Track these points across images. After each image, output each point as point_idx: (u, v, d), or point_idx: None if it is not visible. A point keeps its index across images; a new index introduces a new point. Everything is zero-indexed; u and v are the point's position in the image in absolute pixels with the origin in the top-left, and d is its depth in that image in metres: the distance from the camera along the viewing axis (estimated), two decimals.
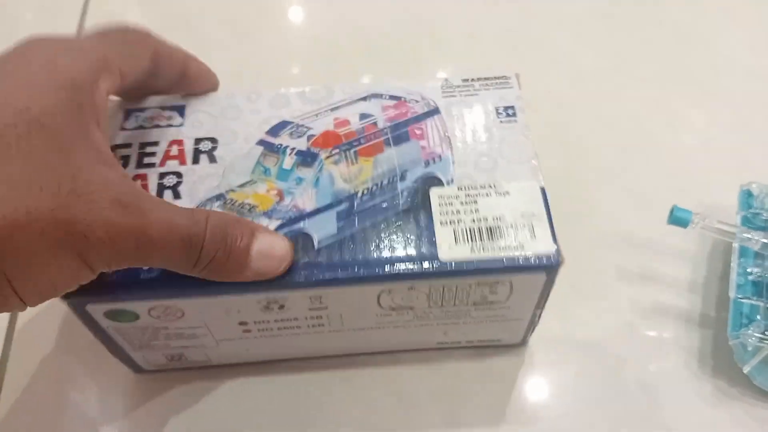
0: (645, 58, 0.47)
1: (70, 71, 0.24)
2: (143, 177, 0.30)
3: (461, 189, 0.29)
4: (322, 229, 0.28)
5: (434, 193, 0.29)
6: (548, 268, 0.28)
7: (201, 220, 0.25)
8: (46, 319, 0.37)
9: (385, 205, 0.29)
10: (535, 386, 0.35)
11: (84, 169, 0.23)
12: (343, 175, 0.30)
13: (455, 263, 0.28)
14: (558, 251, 0.28)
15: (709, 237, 0.39)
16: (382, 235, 0.28)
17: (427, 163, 0.30)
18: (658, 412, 0.34)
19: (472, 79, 0.33)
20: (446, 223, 0.28)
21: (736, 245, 0.34)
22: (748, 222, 0.35)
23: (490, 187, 0.29)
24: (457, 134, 0.31)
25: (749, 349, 0.32)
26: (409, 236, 0.28)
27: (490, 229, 0.28)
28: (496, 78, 0.33)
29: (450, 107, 0.32)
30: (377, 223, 0.29)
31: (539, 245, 0.28)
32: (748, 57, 0.47)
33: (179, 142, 0.31)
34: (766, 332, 0.32)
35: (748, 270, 0.34)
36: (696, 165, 0.42)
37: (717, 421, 0.34)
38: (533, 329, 0.34)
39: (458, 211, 0.29)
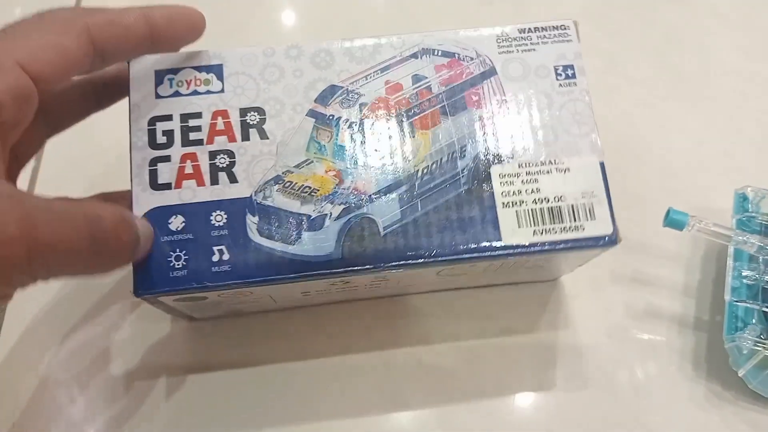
0: (638, 60, 0.47)
1: None
2: (193, 157, 0.29)
3: (522, 166, 0.29)
4: (385, 214, 0.28)
5: (495, 172, 0.29)
6: (605, 246, 0.29)
7: (104, 209, 0.24)
8: None
9: (446, 186, 0.29)
10: (524, 389, 0.35)
11: None
12: (403, 159, 0.29)
13: (520, 247, 0.28)
14: (616, 231, 0.29)
15: (703, 241, 0.39)
16: (445, 219, 0.28)
17: (485, 137, 0.30)
18: (650, 415, 0.34)
19: (530, 30, 0.32)
20: (508, 205, 0.29)
21: (731, 248, 0.34)
22: (744, 225, 0.35)
23: (551, 163, 0.29)
24: (515, 100, 0.30)
25: (744, 352, 0.32)
26: (473, 220, 0.28)
27: (552, 210, 0.29)
28: (554, 28, 0.32)
29: (507, 66, 0.31)
30: (439, 207, 0.29)
31: (598, 226, 0.29)
32: (741, 61, 0.47)
33: (224, 113, 0.29)
34: (761, 336, 0.32)
35: (743, 273, 0.34)
36: (689, 169, 0.42)
37: (710, 424, 0.34)
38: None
39: (520, 192, 0.29)
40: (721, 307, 0.34)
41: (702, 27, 0.49)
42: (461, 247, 0.28)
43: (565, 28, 0.32)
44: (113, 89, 0.31)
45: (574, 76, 0.31)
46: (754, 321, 0.32)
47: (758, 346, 0.31)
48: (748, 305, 0.33)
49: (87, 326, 0.36)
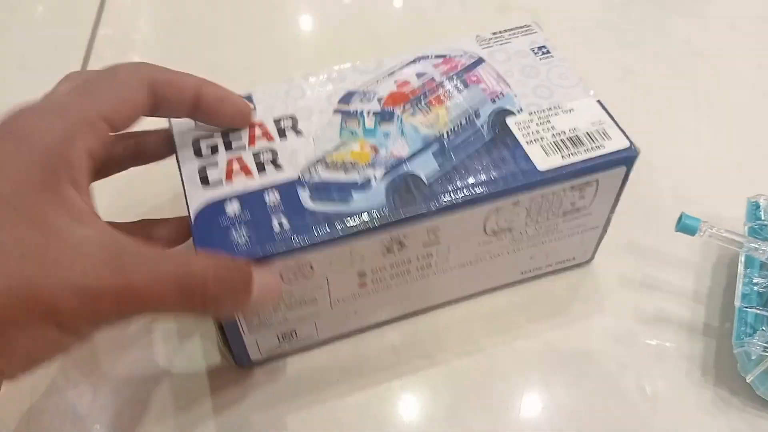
0: (652, 70, 0.48)
1: (44, 139, 0.24)
2: (239, 159, 0.31)
3: (532, 114, 0.33)
4: (426, 168, 0.31)
5: (510, 121, 0.33)
6: (628, 159, 0.32)
7: (195, 263, 0.25)
8: None
9: (472, 139, 0.32)
10: (531, 392, 0.35)
11: (54, 234, 0.22)
12: (423, 123, 0.33)
13: (553, 170, 0.31)
14: (633, 145, 0.32)
15: (714, 249, 0.39)
16: (482, 162, 0.31)
17: (493, 101, 0.34)
18: (657, 420, 0.34)
19: (500, 32, 0.38)
20: (532, 141, 0.32)
21: (742, 255, 0.35)
22: (756, 233, 0.35)
23: (555, 108, 0.33)
24: (508, 74, 0.35)
25: (753, 358, 0.32)
26: (504, 159, 0.31)
27: (571, 139, 0.32)
28: (519, 28, 0.38)
29: (492, 55, 0.36)
30: (472, 155, 0.32)
31: (616, 143, 0.32)
32: (755, 74, 0.47)
33: (260, 125, 0.33)
34: None
35: (754, 280, 0.34)
36: (701, 178, 0.43)
37: (717, 430, 0.34)
38: (601, 240, 0.37)
39: (537, 131, 0.32)
40: (731, 314, 0.34)
41: (717, 39, 0.49)
42: (503, 180, 0.30)
43: (529, 26, 0.38)
44: (156, 150, 0.33)
45: (548, 52, 0.36)
46: (763, 327, 0.33)
47: (767, 352, 0.32)
48: (758, 312, 0.33)
49: None
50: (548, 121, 0.33)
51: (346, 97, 0.34)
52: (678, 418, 0.34)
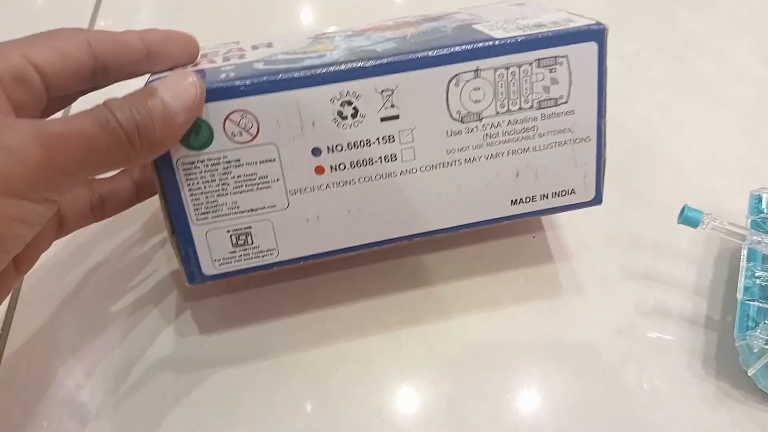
0: (656, 63, 0.47)
1: None
2: (208, 60, 0.32)
3: (498, 21, 0.33)
4: (383, 46, 0.31)
5: (476, 26, 0.33)
6: (597, 33, 0.31)
7: (96, 110, 0.25)
8: None
9: (434, 35, 0.32)
10: (532, 384, 0.35)
11: None
12: (391, 34, 0.33)
13: (513, 38, 0.30)
14: (600, 23, 0.31)
15: (716, 243, 0.39)
16: (442, 40, 0.31)
17: (464, 20, 0.34)
18: (658, 413, 0.34)
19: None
20: (496, 28, 0.32)
21: (745, 248, 0.34)
22: (758, 226, 0.35)
23: (525, 17, 0.33)
24: (482, 10, 0.36)
25: (755, 351, 0.32)
26: (465, 38, 0.31)
27: (536, 25, 0.31)
28: None
29: (468, 10, 0.37)
30: (431, 39, 0.31)
31: (581, 21, 0.31)
32: (759, 67, 0.47)
33: (238, 47, 0.34)
34: None
35: (756, 273, 0.34)
36: (704, 171, 0.42)
37: (718, 423, 0.34)
38: (603, 172, 0.34)
39: (504, 24, 0.32)
40: (733, 307, 0.34)
41: (721, 33, 0.49)
42: (458, 45, 0.30)
43: None
44: (118, 202, 0.34)
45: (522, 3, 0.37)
46: (765, 321, 0.33)
47: None
48: (760, 305, 0.33)
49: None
50: (516, 21, 0.32)
51: (321, 34, 0.35)
52: (679, 410, 0.34)
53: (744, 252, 0.35)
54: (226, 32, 0.48)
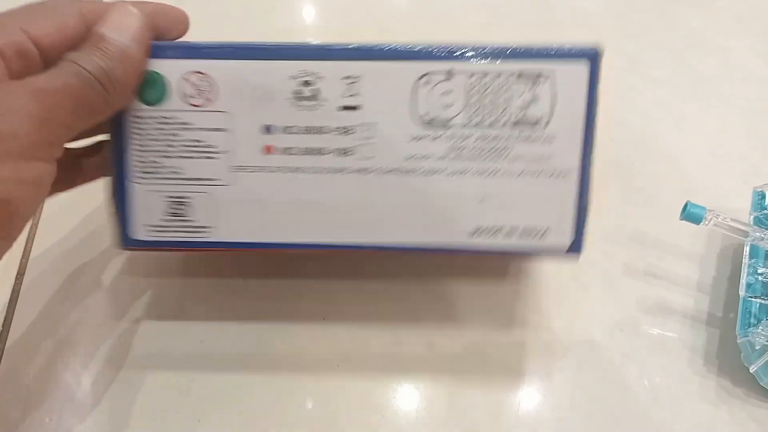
0: (658, 61, 0.47)
1: None
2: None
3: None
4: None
5: None
6: (590, 53, 0.28)
7: (66, 65, 0.26)
8: None
9: None
10: (533, 381, 0.35)
11: None
12: None
13: (495, 45, 0.28)
14: (599, 47, 0.28)
15: (719, 238, 0.39)
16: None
17: None
18: (659, 409, 0.34)
19: None
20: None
21: (747, 245, 0.34)
22: (761, 223, 0.35)
23: None
24: None
25: (757, 348, 0.32)
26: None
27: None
28: None
29: None
30: None
31: (579, 43, 0.29)
32: (760, 64, 0.47)
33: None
34: None
35: (759, 270, 0.34)
36: (706, 169, 0.42)
37: (719, 420, 0.34)
38: (585, 218, 0.30)
39: None
40: (735, 305, 0.34)
41: (722, 30, 0.49)
42: (434, 47, 0.29)
43: None
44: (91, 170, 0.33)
45: None
46: (767, 318, 0.33)
47: None
48: (763, 302, 0.33)
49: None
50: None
51: None
52: (680, 408, 0.34)
53: (746, 248, 0.34)
54: (225, 32, 0.48)
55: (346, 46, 0.28)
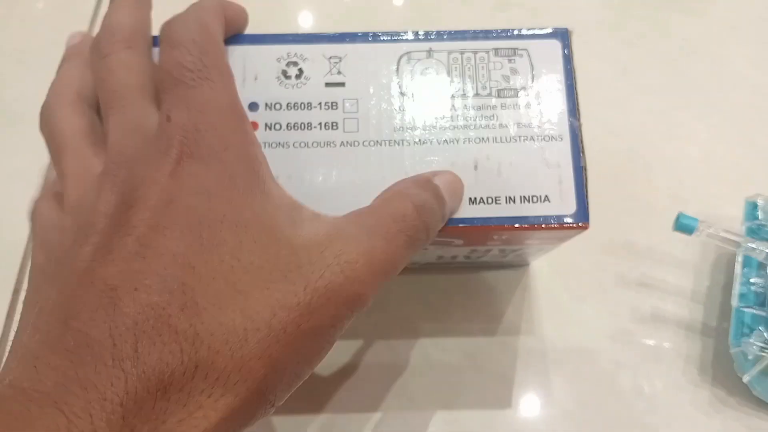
0: (651, 69, 0.47)
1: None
2: None
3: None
4: None
5: None
6: (559, 33, 0.30)
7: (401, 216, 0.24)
8: None
9: None
10: (527, 391, 0.35)
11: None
12: None
13: (470, 29, 0.30)
14: (568, 29, 0.30)
15: (712, 249, 0.39)
16: None
17: None
18: (654, 420, 0.34)
19: None
20: None
21: (740, 255, 0.34)
22: (753, 233, 0.35)
23: None
24: None
25: (750, 358, 0.32)
26: None
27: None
28: None
29: None
30: None
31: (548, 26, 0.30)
32: (754, 73, 0.47)
33: None
34: (767, 342, 0.32)
35: (751, 280, 0.34)
36: (699, 177, 0.42)
37: (711, 429, 0.34)
38: (585, 183, 0.29)
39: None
40: (729, 314, 0.34)
41: (716, 39, 0.49)
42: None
43: None
44: None
45: None
46: (760, 328, 0.33)
47: (764, 352, 0.32)
48: (755, 312, 0.33)
49: None
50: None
51: None
52: (674, 417, 0.34)
53: (739, 259, 0.35)
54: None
55: (330, 33, 0.29)
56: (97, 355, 0.18)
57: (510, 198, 0.29)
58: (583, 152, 0.29)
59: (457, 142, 0.29)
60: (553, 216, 0.29)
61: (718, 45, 0.49)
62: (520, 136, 0.29)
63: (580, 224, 0.29)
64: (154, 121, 0.23)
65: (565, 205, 0.29)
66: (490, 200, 0.29)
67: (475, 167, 0.29)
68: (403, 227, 0.24)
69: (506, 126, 0.29)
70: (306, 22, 0.50)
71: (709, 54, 0.48)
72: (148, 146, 0.22)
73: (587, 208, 0.29)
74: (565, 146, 0.29)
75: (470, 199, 0.29)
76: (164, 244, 0.20)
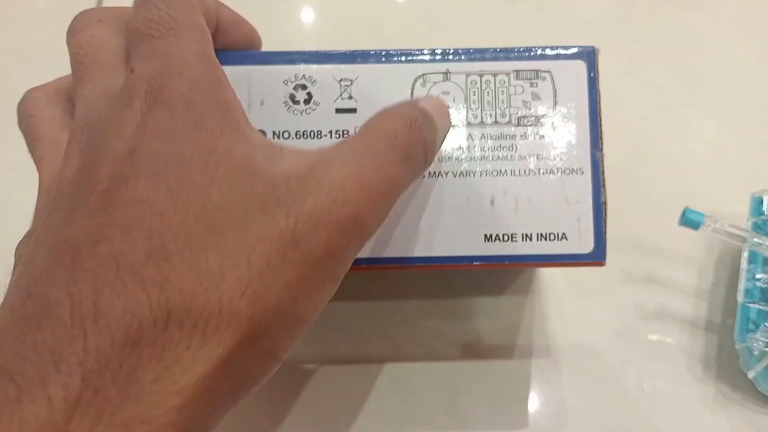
0: (657, 66, 0.47)
1: None
2: None
3: None
4: None
5: None
6: (585, 53, 0.28)
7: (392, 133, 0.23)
8: None
9: None
10: (532, 386, 0.35)
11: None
12: None
13: (490, 48, 0.28)
14: (594, 47, 0.28)
15: (717, 245, 0.39)
16: None
17: None
18: (658, 416, 0.34)
19: None
20: None
21: (745, 251, 0.34)
22: (759, 229, 0.35)
23: None
24: None
25: (755, 353, 0.32)
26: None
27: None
28: None
29: None
30: None
31: (574, 44, 0.29)
32: (761, 69, 0.47)
33: None
34: None
35: (757, 276, 0.34)
36: (705, 173, 0.42)
37: (717, 426, 0.34)
38: (605, 221, 0.28)
39: None
40: (734, 310, 0.34)
41: (723, 35, 0.49)
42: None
43: None
44: None
45: None
46: (766, 323, 0.32)
47: None
48: (761, 307, 0.33)
49: None
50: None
51: None
52: (679, 413, 0.34)
53: (744, 254, 0.34)
54: None
55: (340, 52, 0.28)
56: (55, 317, 0.17)
57: (527, 235, 0.28)
58: (604, 185, 0.28)
59: (473, 174, 0.28)
60: (569, 255, 0.28)
61: (725, 40, 0.49)
62: (539, 169, 0.28)
63: (596, 262, 0.28)
64: (123, 82, 0.22)
65: (582, 244, 0.28)
66: (506, 237, 0.28)
67: (492, 202, 0.28)
68: (394, 144, 0.22)
69: (525, 158, 0.28)
70: (307, 18, 0.50)
71: (716, 50, 0.48)
72: (112, 104, 0.21)
73: (605, 245, 0.28)
74: (586, 180, 0.28)
75: (486, 236, 0.27)
76: (128, 193, 0.19)
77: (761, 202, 0.36)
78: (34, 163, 0.24)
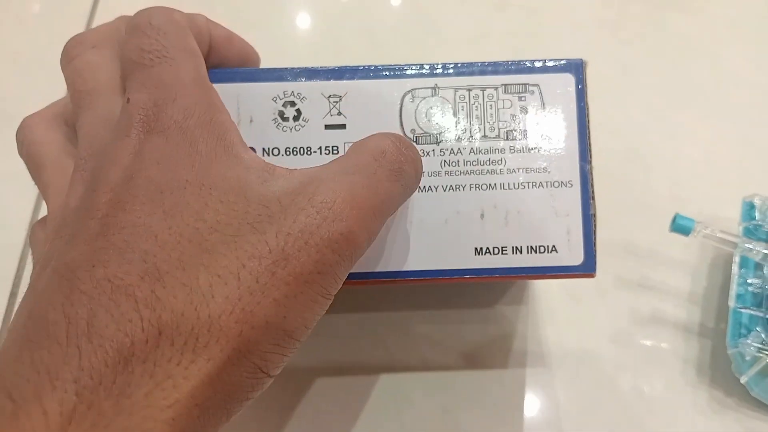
0: (650, 69, 0.47)
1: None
2: None
3: None
4: None
5: None
6: (572, 65, 0.28)
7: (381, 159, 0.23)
8: None
9: None
10: (526, 393, 0.35)
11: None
12: None
13: (477, 62, 0.28)
14: (583, 59, 0.28)
15: (710, 250, 0.39)
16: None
17: None
18: (652, 420, 0.34)
19: None
20: None
21: (737, 256, 0.34)
22: (750, 233, 0.35)
23: None
24: None
25: (747, 358, 0.32)
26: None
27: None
28: None
29: None
30: None
31: (563, 57, 0.29)
32: (753, 73, 0.47)
33: None
34: (764, 343, 0.32)
35: (749, 281, 0.34)
36: (698, 177, 0.42)
37: (710, 430, 0.34)
38: (594, 233, 0.28)
39: None
40: (726, 315, 0.34)
41: (715, 38, 0.49)
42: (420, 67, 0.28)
43: None
44: None
45: None
46: (758, 328, 0.33)
47: (761, 353, 0.32)
48: (753, 312, 0.33)
49: None
50: None
51: None
52: (673, 418, 0.34)
53: (736, 259, 0.35)
54: None
55: (329, 68, 0.28)
56: (52, 337, 0.18)
57: (517, 248, 0.28)
58: (593, 198, 0.29)
59: (463, 188, 0.28)
60: (560, 267, 0.28)
61: (718, 44, 0.49)
62: (528, 182, 0.28)
63: (586, 274, 0.29)
64: (120, 109, 0.23)
65: (572, 256, 0.28)
66: (496, 251, 0.28)
67: (482, 216, 0.28)
68: (384, 162, 0.22)
69: (514, 171, 0.28)
70: (303, 23, 0.50)
71: (709, 53, 0.48)
72: (112, 133, 0.22)
73: (595, 257, 0.28)
74: (575, 193, 0.28)
75: (476, 249, 0.28)
76: (125, 218, 0.20)
77: (752, 206, 0.36)
78: (38, 189, 0.24)
